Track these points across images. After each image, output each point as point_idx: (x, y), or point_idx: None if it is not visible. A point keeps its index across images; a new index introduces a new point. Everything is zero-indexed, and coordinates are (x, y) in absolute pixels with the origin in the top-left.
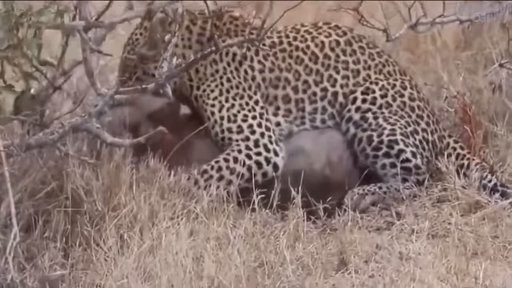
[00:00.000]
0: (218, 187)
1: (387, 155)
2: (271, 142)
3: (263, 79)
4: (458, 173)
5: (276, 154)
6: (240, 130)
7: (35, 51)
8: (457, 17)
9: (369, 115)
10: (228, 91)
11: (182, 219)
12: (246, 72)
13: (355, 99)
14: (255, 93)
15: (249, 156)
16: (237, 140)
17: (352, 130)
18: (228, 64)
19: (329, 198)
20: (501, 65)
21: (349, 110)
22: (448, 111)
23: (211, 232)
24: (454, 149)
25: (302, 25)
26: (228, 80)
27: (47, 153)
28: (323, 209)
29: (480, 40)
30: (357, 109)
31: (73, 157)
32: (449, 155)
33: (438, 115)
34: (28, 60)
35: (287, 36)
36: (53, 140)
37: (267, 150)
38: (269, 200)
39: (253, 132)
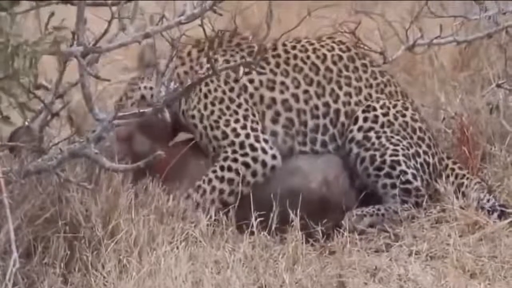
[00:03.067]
0: (213, 200)
1: (388, 175)
2: (257, 141)
3: (250, 81)
4: (457, 194)
5: (264, 151)
6: (224, 136)
7: (31, 81)
8: (454, 38)
9: (372, 134)
10: (206, 96)
11: (181, 243)
12: (227, 75)
13: (357, 118)
14: (238, 96)
15: (235, 160)
16: (224, 147)
17: (355, 149)
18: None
19: (326, 219)
20: (498, 86)
21: (351, 131)
22: (446, 132)
23: (210, 256)
24: (453, 169)
25: (305, 38)
26: (206, 84)
27: (45, 179)
28: (321, 231)
29: (477, 60)
30: (360, 128)
31: (71, 182)
32: (448, 176)
33: (436, 136)
34: (25, 91)
35: (284, 45)
36: (51, 166)
37: (254, 149)
38: (267, 223)
39: (237, 135)
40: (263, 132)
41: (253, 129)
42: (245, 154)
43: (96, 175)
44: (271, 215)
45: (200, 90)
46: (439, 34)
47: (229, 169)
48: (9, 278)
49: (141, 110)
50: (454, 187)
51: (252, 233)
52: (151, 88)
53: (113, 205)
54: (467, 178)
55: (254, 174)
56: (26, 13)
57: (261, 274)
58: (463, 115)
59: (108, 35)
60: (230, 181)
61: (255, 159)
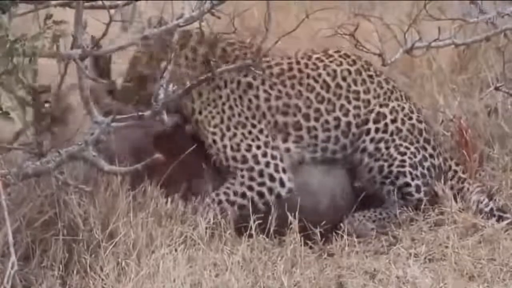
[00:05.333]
0: (215, 216)
1: (392, 183)
2: (277, 171)
3: (269, 108)
4: (455, 197)
5: (282, 184)
6: (244, 160)
7: (30, 77)
8: (453, 40)
9: (382, 145)
10: (229, 119)
11: (179, 245)
12: (250, 101)
13: (368, 130)
14: (259, 122)
15: (251, 188)
16: (242, 170)
17: (366, 159)
18: (232, 91)
19: (324, 221)
20: (496, 88)
21: (363, 141)
22: (444, 135)
23: (208, 258)
24: (456, 172)
25: (314, 52)
26: (230, 107)
27: (44, 182)
28: (320, 234)
29: (475, 63)
30: (371, 140)
31: (70, 185)
32: (451, 177)
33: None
34: (24, 86)
35: (298, 63)
36: (50, 168)
37: (272, 180)
38: (266, 226)
39: (257, 163)
40: (282, 160)
41: (273, 157)
42: (262, 184)
43: (95, 177)
44: (270, 218)
45: (224, 111)
46: (438, 37)
47: (243, 196)
48: (8, 280)
49: (140, 113)
50: (454, 190)
51: (250, 235)
52: None
53: (112, 207)
54: (468, 182)
55: (266, 203)
56: (24, 16)
57: (260, 277)
58: (461, 117)
59: (106, 38)
60: (241, 207)
61: (270, 190)
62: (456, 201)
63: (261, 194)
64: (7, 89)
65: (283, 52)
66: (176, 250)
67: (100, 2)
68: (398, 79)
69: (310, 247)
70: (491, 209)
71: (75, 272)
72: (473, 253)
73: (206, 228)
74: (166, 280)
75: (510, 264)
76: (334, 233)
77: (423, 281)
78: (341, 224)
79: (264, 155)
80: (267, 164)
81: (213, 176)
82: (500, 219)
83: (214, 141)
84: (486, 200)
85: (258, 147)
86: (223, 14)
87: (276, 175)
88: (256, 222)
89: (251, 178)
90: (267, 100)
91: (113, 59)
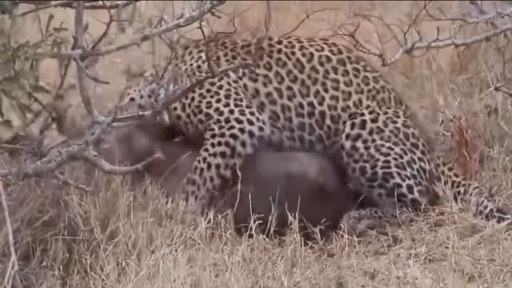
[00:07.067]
0: (211, 177)
1: (381, 186)
2: (242, 114)
3: (235, 71)
4: (455, 197)
5: (250, 122)
6: (208, 117)
7: (32, 83)
8: (452, 41)
9: (360, 144)
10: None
11: (180, 245)
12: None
13: (344, 124)
14: (219, 79)
15: (222, 135)
16: (209, 126)
17: (345, 158)
18: (191, 65)
19: (325, 219)
20: (496, 89)
21: (340, 138)
22: (444, 135)
23: (208, 258)
24: (449, 177)
25: (295, 37)
26: (185, 70)
27: (44, 182)
28: (320, 232)
29: (475, 63)
30: (347, 136)
31: (70, 185)
32: (445, 183)
33: (434, 139)
34: (26, 93)
35: (269, 39)
36: (50, 168)
37: (239, 122)
38: (266, 226)
39: (221, 113)
40: (248, 107)
41: (236, 105)
42: (231, 127)
43: (95, 177)
44: (270, 217)
45: (182, 81)
46: (437, 37)
47: (219, 143)
48: (8, 280)
49: (140, 113)
50: (452, 194)
51: (250, 235)
52: (139, 91)
53: (112, 207)
54: (463, 185)
55: (243, 144)
56: (24, 16)
57: (260, 277)
58: (461, 118)
59: (107, 38)
60: (222, 154)
61: (242, 130)
62: (456, 202)
63: (234, 136)
64: (9, 96)
65: None
66: (176, 250)
67: (100, 2)
68: (398, 79)
69: (310, 247)
70: (491, 210)
71: (75, 272)
72: (473, 253)
73: (206, 228)
74: (166, 280)
75: (510, 264)
76: (334, 233)
77: (423, 281)
78: (341, 225)
79: (226, 104)
80: (231, 112)
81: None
82: (500, 220)
83: (179, 117)
84: (486, 201)
85: (218, 101)
86: (223, 14)
87: (242, 117)
88: (256, 222)
89: (220, 127)
90: (227, 60)
91: (113, 59)
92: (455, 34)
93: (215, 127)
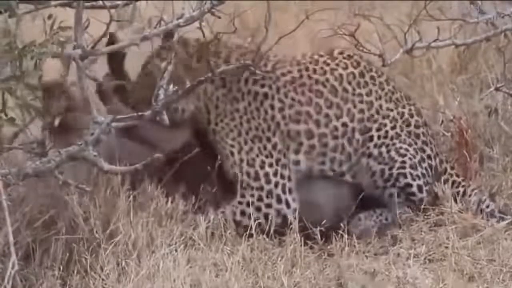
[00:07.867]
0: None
1: (394, 186)
2: (284, 192)
3: (283, 117)
4: (455, 197)
5: (288, 205)
6: (256, 177)
7: (35, 82)
8: (453, 41)
9: (383, 149)
10: (247, 133)
11: (180, 245)
12: (266, 112)
13: (371, 137)
14: (274, 135)
15: (258, 209)
16: (252, 188)
17: (371, 163)
18: (249, 104)
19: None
20: (497, 89)
21: (368, 147)
22: (444, 135)
23: (208, 258)
24: (451, 175)
25: (320, 56)
26: (248, 121)
27: (44, 182)
28: (320, 234)
29: (475, 63)
30: (374, 145)
31: (70, 185)
32: (446, 180)
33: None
34: (31, 92)
35: (307, 69)
36: (50, 168)
37: (279, 201)
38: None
39: (268, 182)
40: (290, 179)
41: (282, 177)
42: (269, 205)
43: (95, 177)
44: (270, 218)
45: (241, 124)
46: (438, 37)
47: (249, 216)
48: (8, 280)
49: (140, 113)
50: (452, 193)
51: (250, 235)
52: None
53: (112, 207)
54: (463, 186)
55: (271, 224)
56: (23, 15)
57: (260, 277)
58: (461, 118)
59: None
60: (246, 227)
61: (278, 212)
62: (456, 202)
63: (266, 217)
64: (14, 95)
65: (287, 54)
66: (176, 250)
67: (100, 2)
68: (398, 80)
69: (310, 247)
70: (492, 210)
71: (75, 272)
72: (473, 253)
73: (206, 228)
74: (166, 280)
75: (510, 264)
76: (334, 233)
77: (423, 281)
78: (341, 224)
79: (275, 174)
80: (276, 184)
81: (221, 184)
82: (500, 220)
83: (232, 153)
84: (487, 201)
85: (271, 165)
86: (223, 14)
87: (282, 197)
88: (256, 222)
89: (260, 199)
90: (281, 109)
91: None
92: (455, 34)
93: (256, 195)
